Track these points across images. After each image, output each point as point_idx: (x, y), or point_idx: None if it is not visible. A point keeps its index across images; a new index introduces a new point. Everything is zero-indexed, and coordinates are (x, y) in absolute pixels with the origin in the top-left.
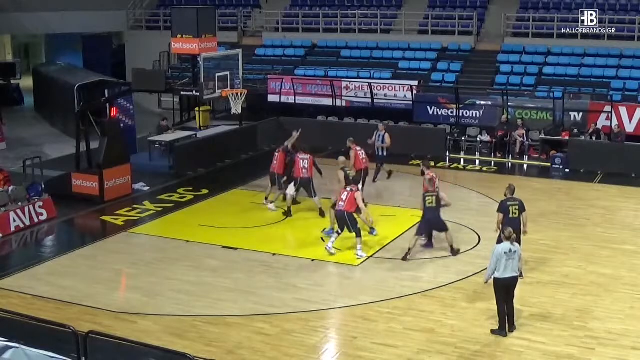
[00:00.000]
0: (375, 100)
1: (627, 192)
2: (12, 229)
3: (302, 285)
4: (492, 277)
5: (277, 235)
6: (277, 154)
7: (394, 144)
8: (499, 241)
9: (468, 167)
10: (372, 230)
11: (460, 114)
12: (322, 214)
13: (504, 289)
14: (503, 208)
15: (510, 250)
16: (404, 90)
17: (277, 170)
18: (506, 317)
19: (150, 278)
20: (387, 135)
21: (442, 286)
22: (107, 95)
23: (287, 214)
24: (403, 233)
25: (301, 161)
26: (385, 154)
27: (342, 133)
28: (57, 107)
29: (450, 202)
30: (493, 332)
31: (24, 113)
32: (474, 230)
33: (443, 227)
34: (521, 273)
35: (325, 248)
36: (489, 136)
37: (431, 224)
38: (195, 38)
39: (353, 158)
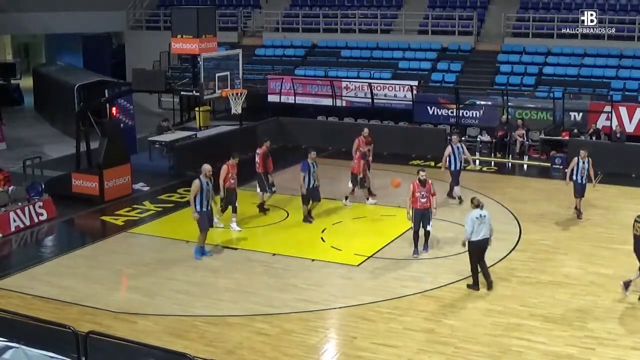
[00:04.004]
0: (375, 100)
1: (627, 192)
2: (12, 229)
3: (302, 285)
4: (468, 240)
5: (277, 235)
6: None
7: (393, 144)
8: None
9: (468, 167)
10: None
11: (460, 114)
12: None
13: (478, 250)
14: None
15: (480, 216)
16: (404, 90)
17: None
18: (480, 274)
19: (150, 278)
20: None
21: (442, 286)
22: (107, 95)
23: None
24: (403, 233)
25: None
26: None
27: (342, 133)
28: (57, 107)
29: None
30: (469, 286)
31: (24, 113)
32: None
33: None
34: None
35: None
36: (489, 136)
37: None
38: (195, 38)
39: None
